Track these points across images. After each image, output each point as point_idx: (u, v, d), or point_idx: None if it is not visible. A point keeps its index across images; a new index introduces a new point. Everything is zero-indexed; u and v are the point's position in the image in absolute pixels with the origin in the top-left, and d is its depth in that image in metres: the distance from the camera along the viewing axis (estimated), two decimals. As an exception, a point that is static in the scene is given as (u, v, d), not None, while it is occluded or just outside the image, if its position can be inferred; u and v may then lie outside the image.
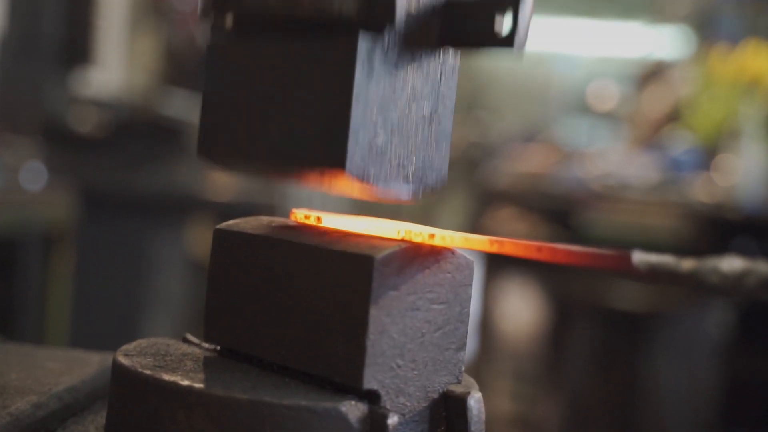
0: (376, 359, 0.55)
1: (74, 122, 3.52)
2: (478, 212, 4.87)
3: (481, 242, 0.56)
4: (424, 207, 7.04)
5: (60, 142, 3.37)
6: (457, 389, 0.59)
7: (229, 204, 3.82)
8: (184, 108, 3.79)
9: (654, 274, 0.49)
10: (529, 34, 0.56)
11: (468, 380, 0.62)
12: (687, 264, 0.49)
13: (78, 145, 3.44)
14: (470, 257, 0.60)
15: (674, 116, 4.11)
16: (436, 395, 0.59)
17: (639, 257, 0.50)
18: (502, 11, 0.56)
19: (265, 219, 0.66)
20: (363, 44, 0.55)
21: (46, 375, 0.68)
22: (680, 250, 3.20)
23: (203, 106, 0.64)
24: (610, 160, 4.02)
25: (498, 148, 5.18)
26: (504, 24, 0.56)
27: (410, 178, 0.59)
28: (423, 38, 0.58)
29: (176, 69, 4.54)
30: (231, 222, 0.65)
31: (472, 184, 5.26)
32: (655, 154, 3.87)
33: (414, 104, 0.59)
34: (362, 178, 0.56)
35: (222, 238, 0.64)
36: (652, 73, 4.50)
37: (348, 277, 0.56)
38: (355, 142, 0.55)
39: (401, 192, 0.59)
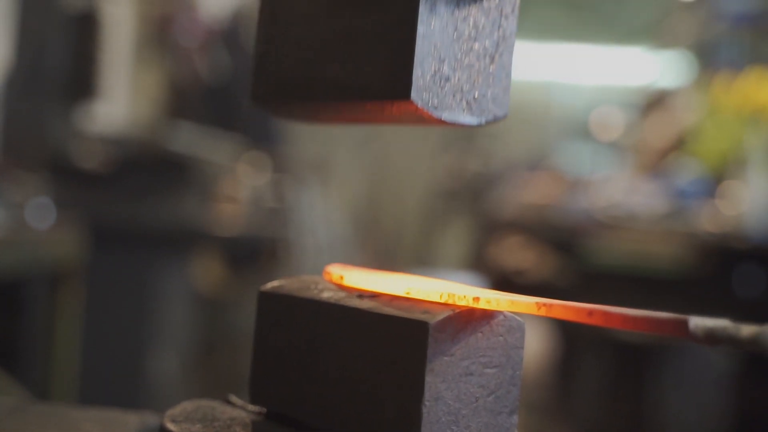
0: (432, 427, 0.55)
1: (79, 157, 3.51)
2: (482, 241, 4.86)
3: (528, 305, 0.55)
4: (426, 236, 7.03)
5: (65, 177, 3.36)
6: (510, 454, 0.58)
7: (235, 237, 3.82)
8: (190, 141, 3.79)
9: (712, 340, 0.48)
10: None
11: (518, 443, 0.61)
12: (747, 330, 0.47)
13: (83, 181, 3.43)
14: (521, 319, 0.59)
15: (679, 144, 4.11)
16: (489, 461, 0.58)
17: (696, 322, 0.48)
18: None
19: (308, 279, 0.66)
20: None
21: (86, 439, 0.67)
22: (686, 278, 3.21)
23: (256, 48, 0.65)
24: (616, 189, 4.01)
25: (501, 177, 5.18)
26: None
27: (473, 109, 0.59)
28: None
29: (180, 102, 4.54)
30: (275, 283, 0.65)
31: (476, 213, 5.26)
32: (661, 182, 3.87)
33: (476, 39, 0.59)
34: (426, 106, 0.57)
35: (267, 301, 0.64)
36: (656, 101, 4.51)
37: (402, 342, 0.55)
38: (419, 72, 0.56)
39: (464, 121, 0.59)
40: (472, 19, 0.59)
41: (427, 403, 0.54)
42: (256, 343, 0.64)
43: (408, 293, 0.59)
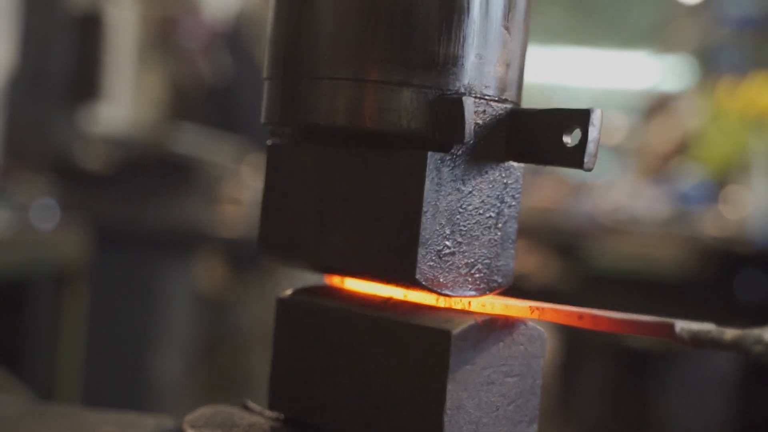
0: (453, 435, 0.55)
1: (83, 158, 3.52)
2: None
3: (521, 309, 0.57)
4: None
5: (69, 178, 3.37)
6: (529, 463, 0.59)
7: (237, 239, 3.82)
8: (193, 143, 3.80)
9: (697, 342, 0.50)
10: (597, 152, 0.56)
11: (538, 451, 0.61)
12: (730, 333, 0.49)
13: (87, 182, 3.44)
14: (541, 328, 0.59)
15: (682, 149, 4.11)
16: (509, 469, 0.58)
17: (682, 326, 0.50)
18: (570, 130, 0.56)
19: (326, 286, 0.66)
20: (432, 158, 0.57)
21: (104, 443, 0.67)
22: (688, 282, 3.21)
23: (263, 204, 0.65)
24: (620, 193, 4.02)
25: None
26: (572, 139, 0.56)
27: (477, 281, 0.60)
28: (489, 151, 0.59)
29: (183, 104, 4.55)
30: (294, 291, 0.65)
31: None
32: (664, 187, 3.87)
33: (480, 211, 0.59)
34: (431, 286, 0.57)
35: (286, 308, 0.64)
36: (659, 105, 4.51)
37: (424, 351, 0.55)
38: (424, 252, 0.56)
39: (468, 295, 0.59)
40: (477, 193, 0.59)
41: (448, 411, 0.54)
42: (274, 349, 0.64)
43: (405, 296, 0.61)
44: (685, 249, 3.33)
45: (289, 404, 0.63)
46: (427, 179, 0.56)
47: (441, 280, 0.57)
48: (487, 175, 0.59)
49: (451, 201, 0.57)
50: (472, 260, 0.59)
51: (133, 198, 3.44)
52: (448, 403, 0.54)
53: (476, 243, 0.59)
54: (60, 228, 2.78)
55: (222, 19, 4.80)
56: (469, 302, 0.59)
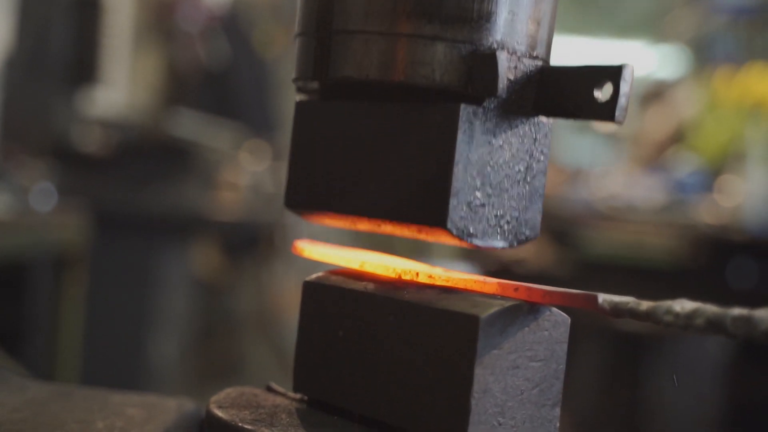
0: (480, 418, 0.56)
1: (81, 142, 3.52)
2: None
3: (466, 281, 0.60)
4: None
5: (67, 162, 3.37)
6: (552, 446, 0.60)
7: (234, 223, 3.82)
8: (190, 128, 3.80)
9: (616, 312, 0.54)
10: (628, 105, 0.57)
11: (560, 434, 0.63)
12: (645, 305, 0.53)
13: (84, 165, 3.44)
14: (565, 314, 0.61)
15: (678, 137, 4.13)
16: (532, 452, 0.60)
17: (604, 297, 0.54)
18: (601, 85, 0.58)
19: (352, 270, 0.67)
20: (465, 111, 0.58)
21: (131, 424, 0.68)
22: (682, 269, 3.23)
23: (291, 160, 0.66)
24: (615, 181, 4.03)
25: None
26: (603, 94, 0.58)
27: (506, 233, 0.61)
28: (519, 106, 0.60)
29: (181, 88, 4.55)
30: (320, 274, 0.66)
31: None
32: (660, 175, 3.89)
33: (510, 164, 0.61)
34: (461, 235, 0.59)
35: (312, 292, 0.65)
36: (654, 94, 4.52)
37: (452, 335, 0.56)
38: (455, 202, 0.58)
39: (497, 245, 0.61)
40: (507, 146, 0.60)
41: (476, 395, 0.55)
42: (299, 332, 0.65)
43: (362, 266, 0.64)
44: (679, 237, 3.35)
45: (313, 386, 0.65)
46: (459, 131, 0.57)
47: (471, 230, 0.59)
48: (517, 130, 0.61)
49: (482, 153, 0.59)
50: (501, 212, 0.61)
51: (131, 182, 3.44)
52: (476, 387, 0.55)
53: (505, 195, 0.61)
54: (58, 211, 2.79)
55: (220, 3, 4.79)
56: (417, 273, 0.61)
